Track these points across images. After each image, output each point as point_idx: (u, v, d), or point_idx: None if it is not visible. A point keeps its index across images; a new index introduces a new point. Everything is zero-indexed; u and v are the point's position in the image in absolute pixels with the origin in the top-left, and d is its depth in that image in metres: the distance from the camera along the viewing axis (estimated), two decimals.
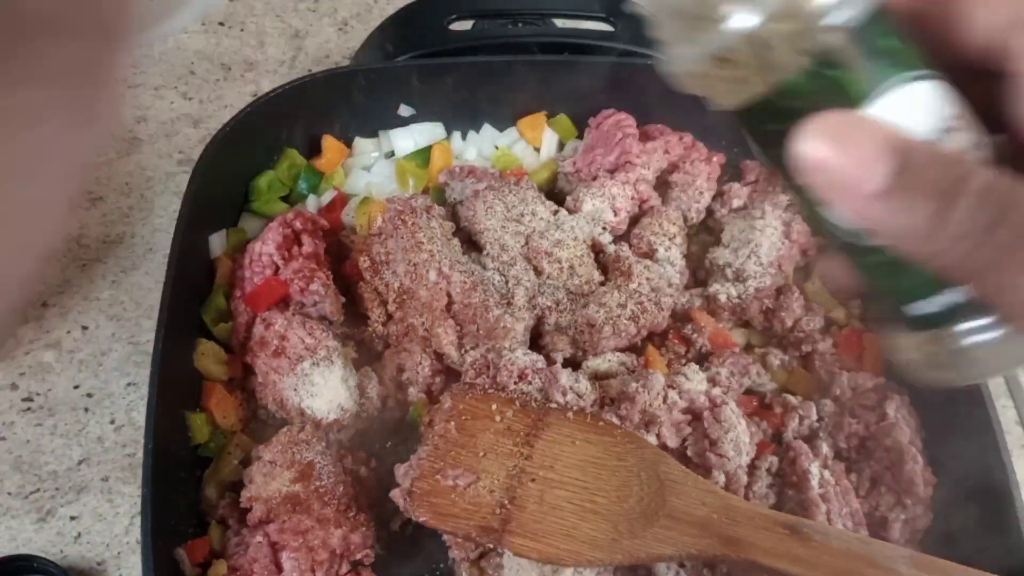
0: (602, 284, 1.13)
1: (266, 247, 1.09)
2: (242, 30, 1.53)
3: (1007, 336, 0.51)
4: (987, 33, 0.49)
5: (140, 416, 1.10)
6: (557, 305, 1.11)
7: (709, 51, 0.47)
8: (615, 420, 0.99)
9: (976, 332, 0.51)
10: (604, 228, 1.19)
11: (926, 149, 0.44)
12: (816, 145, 0.44)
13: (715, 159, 1.27)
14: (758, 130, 0.52)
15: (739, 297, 1.15)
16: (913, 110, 0.48)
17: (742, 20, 0.46)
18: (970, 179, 0.43)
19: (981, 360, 0.53)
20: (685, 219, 1.24)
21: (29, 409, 1.11)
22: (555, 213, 1.18)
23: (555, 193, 1.28)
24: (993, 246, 0.43)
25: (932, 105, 0.48)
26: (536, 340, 1.11)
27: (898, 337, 0.55)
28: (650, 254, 1.17)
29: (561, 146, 1.34)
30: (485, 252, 1.15)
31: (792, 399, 1.09)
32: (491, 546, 0.95)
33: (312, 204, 1.24)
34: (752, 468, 1.02)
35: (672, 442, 0.97)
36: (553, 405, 1.00)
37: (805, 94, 0.47)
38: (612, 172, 1.23)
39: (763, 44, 0.46)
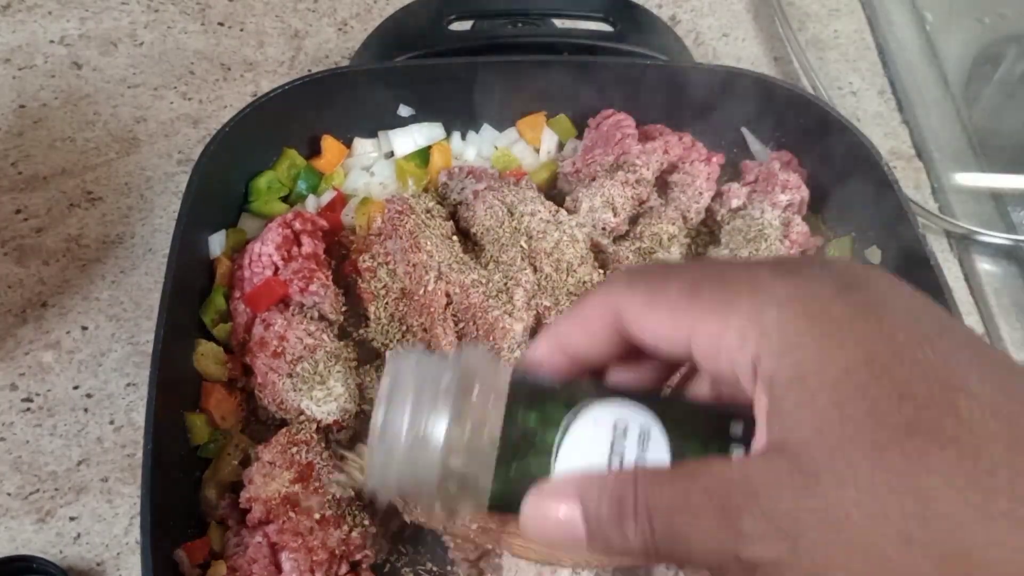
0: None
1: (265, 247, 1.09)
2: (242, 30, 1.52)
3: None
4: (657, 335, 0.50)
5: (140, 417, 1.10)
6: (557, 305, 1.11)
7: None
8: None
9: None
10: (603, 228, 1.19)
11: (593, 488, 0.47)
12: (527, 527, 0.48)
13: (714, 159, 1.27)
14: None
15: None
16: (580, 450, 0.49)
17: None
18: (628, 499, 0.46)
19: None
20: (684, 219, 1.24)
21: (28, 410, 1.11)
22: (555, 213, 1.18)
23: (555, 193, 1.28)
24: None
25: (590, 437, 0.49)
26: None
27: None
28: (649, 254, 1.17)
29: (561, 146, 1.34)
30: (484, 252, 1.15)
31: None
32: (490, 547, 0.95)
33: (312, 204, 1.24)
34: None
35: None
36: None
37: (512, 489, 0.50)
38: (611, 172, 1.23)
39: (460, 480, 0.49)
